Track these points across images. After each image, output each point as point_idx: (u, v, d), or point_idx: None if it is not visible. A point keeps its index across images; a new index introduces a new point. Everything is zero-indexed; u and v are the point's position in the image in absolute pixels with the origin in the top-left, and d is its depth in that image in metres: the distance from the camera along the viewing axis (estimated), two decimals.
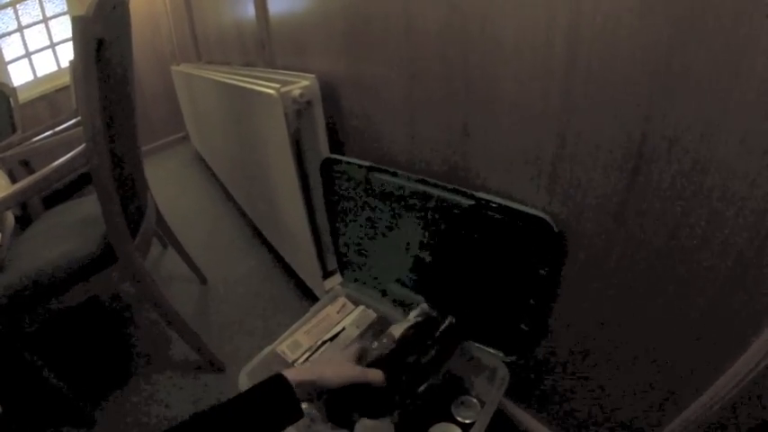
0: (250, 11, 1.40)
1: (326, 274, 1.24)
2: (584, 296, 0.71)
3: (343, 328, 0.88)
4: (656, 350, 0.64)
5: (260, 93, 1.08)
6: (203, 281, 1.73)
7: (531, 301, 0.76)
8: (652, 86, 0.50)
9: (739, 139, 0.45)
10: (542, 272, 0.72)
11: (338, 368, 0.68)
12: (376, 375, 0.70)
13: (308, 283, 1.40)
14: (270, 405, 0.60)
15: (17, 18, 3.16)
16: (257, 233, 1.96)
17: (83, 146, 1.07)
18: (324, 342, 0.86)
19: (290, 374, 0.62)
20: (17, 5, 3.13)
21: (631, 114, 0.53)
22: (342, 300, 1.01)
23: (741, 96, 0.44)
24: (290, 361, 0.85)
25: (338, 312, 0.92)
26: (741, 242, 0.49)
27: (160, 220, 1.58)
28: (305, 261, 1.30)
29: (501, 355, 0.85)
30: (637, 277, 0.61)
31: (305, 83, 1.01)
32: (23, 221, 1.64)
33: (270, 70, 1.35)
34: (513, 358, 0.84)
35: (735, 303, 0.52)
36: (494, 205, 0.74)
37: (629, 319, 0.65)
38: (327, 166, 1.00)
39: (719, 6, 0.43)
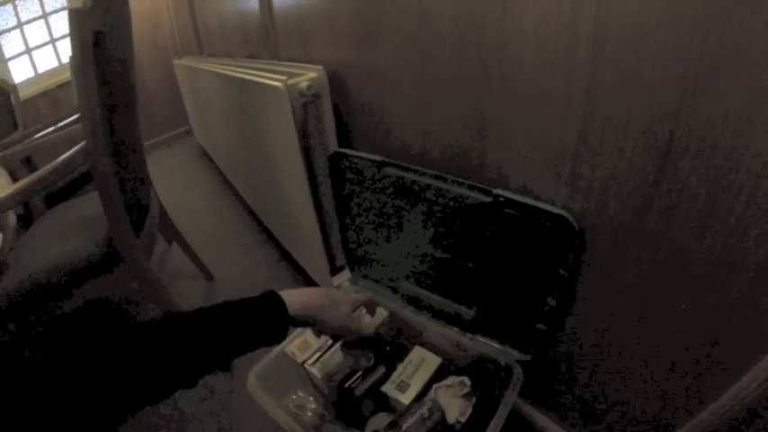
0: (253, 1, 1.36)
1: (335, 270, 1.22)
2: (603, 294, 0.68)
3: None
4: (675, 351, 0.61)
5: (266, 85, 1.05)
6: (209, 277, 1.70)
7: (549, 300, 0.74)
8: (684, 75, 0.47)
9: None
10: (561, 270, 0.70)
11: (338, 315, 0.69)
12: (368, 328, 0.75)
13: (316, 280, 1.38)
14: (258, 325, 0.60)
15: (17, 14, 3.14)
16: (263, 228, 1.94)
17: (83, 143, 1.04)
18: (334, 342, 0.83)
19: (291, 305, 0.62)
20: (16, 1, 3.11)
21: (660, 106, 0.50)
22: None
23: None
24: (299, 361, 0.83)
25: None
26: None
27: (164, 216, 1.56)
28: (313, 257, 1.27)
29: (516, 353, 0.82)
30: (659, 275, 0.59)
31: (312, 74, 0.98)
32: (25, 220, 1.62)
33: (275, 62, 1.32)
34: (529, 357, 0.81)
35: (759, 306, 0.49)
36: (512, 202, 0.71)
37: (649, 318, 0.63)
38: (336, 161, 0.96)
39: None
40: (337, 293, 0.73)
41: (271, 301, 0.62)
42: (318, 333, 0.73)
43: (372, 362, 0.78)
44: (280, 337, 0.62)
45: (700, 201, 0.50)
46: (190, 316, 0.56)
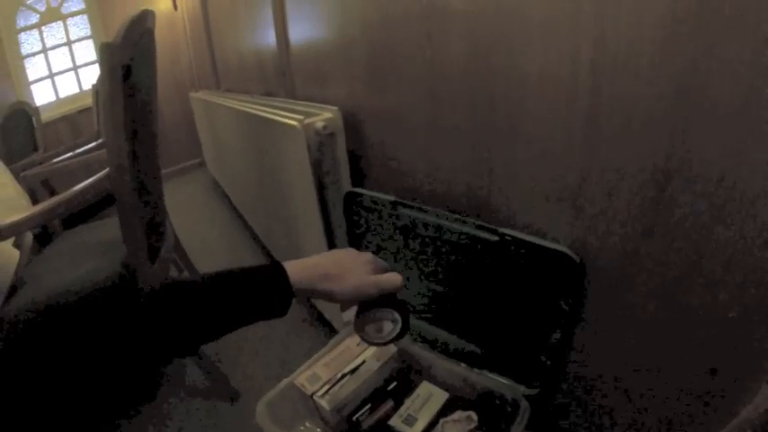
0: (271, 39, 1.42)
1: (345, 306, 1.23)
2: (606, 325, 0.70)
3: (363, 361, 0.87)
4: (680, 379, 0.62)
5: (282, 124, 1.09)
6: None
7: (554, 334, 0.75)
8: (674, 118, 0.51)
9: (764, 171, 0.45)
10: (564, 305, 0.72)
11: (351, 281, 0.63)
12: (392, 283, 0.65)
13: (326, 315, 1.39)
14: (258, 295, 0.57)
15: (42, 40, 3.27)
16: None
17: (106, 170, 1.08)
18: (344, 375, 0.84)
19: (294, 275, 0.58)
20: (42, 27, 3.23)
21: (654, 146, 0.54)
22: None
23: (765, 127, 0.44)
24: (308, 393, 0.84)
25: (358, 345, 0.90)
26: (760, 278, 0.48)
27: (177, 245, 1.59)
28: None
29: (522, 387, 0.83)
30: (658, 307, 0.61)
31: (328, 115, 1.03)
32: (42, 239, 1.65)
33: (291, 101, 1.37)
34: (535, 391, 0.82)
35: (752, 340, 0.51)
36: (517, 241, 0.74)
37: (653, 346, 0.64)
38: (350, 200, 1.00)
39: (740, 37, 0.43)
40: (349, 257, 0.67)
41: (273, 271, 0.59)
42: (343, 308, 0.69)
43: (400, 324, 0.67)
44: (281, 310, 0.59)
45: (695, 232, 0.53)
46: (188, 284, 0.56)
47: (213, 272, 0.56)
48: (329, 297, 0.61)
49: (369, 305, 0.68)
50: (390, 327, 0.68)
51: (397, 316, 0.68)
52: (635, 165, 0.57)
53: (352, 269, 0.64)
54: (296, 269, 0.59)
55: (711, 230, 0.51)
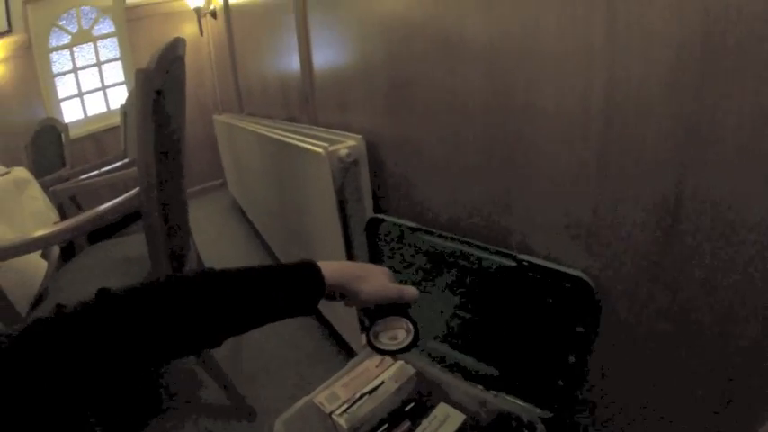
0: (295, 65, 1.47)
1: (364, 328, 1.24)
2: (620, 353, 0.71)
3: (382, 382, 0.88)
4: (694, 404, 0.63)
5: (307, 150, 1.12)
6: None
7: (569, 358, 0.76)
8: (682, 153, 0.53)
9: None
10: (580, 329, 0.73)
11: (376, 284, 0.66)
12: (410, 294, 0.68)
13: (345, 337, 1.40)
14: (293, 289, 0.57)
15: (72, 60, 3.41)
16: None
17: (136, 189, 1.12)
18: (362, 395, 0.85)
19: (326, 272, 0.60)
20: (74, 48, 3.37)
21: (664, 180, 0.56)
22: None
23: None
24: (327, 412, 0.85)
25: (377, 366, 0.92)
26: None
27: (199, 263, 1.62)
28: (342, 314, 1.30)
29: (538, 410, 0.83)
30: (672, 333, 0.62)
31: (351, 142, 1.06)
32: (67, 252, 1.70)
33: (314, 127, 1.41)
34: (551, 414, 0.82)
35: (765, 368, 0.52)
36: (535, 266, 0.76)
37: (668, 371, 0.65)
38: (373, 226, 1.03)
39: (742, 77, 0.46)
40: (372, 266, 0.70)
41: (307, 267, 0.60)
42: (363, 312, 0.71)
43: (413, 333, 0.69)
44: (310, 305, 0.60)
45: (705, 259, 0.55)
46: (223, 274, 0.54)
47: (246, 266, 0.57)
48: (356, 295, 0.63)
49: (382, 314, 0.71)
50: (404, 335, 0.70)
51: (410, 326, 0.70)
52: (646, 197, 0.59)
53: (377, 275, 0.67)
54: (328, 267, 0.61)
55: (722, 260, 0.53)
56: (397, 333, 0.70)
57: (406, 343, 0.68)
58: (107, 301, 0.46)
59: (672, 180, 0.55)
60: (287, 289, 0.57)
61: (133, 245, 1.42)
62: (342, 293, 0.64)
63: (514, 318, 0.84)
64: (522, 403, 0.86)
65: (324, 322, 1.62)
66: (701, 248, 0.55)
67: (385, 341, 0.70)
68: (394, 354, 0.70)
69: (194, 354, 0.54)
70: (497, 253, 0.82)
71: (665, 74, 0.52)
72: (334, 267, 0.62)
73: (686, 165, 0.53)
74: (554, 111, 0.66)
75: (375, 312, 0.71)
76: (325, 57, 1.30)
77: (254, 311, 0.54)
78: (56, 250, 1.69)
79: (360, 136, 1.08)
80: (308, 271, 0.60)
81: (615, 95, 0.58)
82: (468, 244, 0.86)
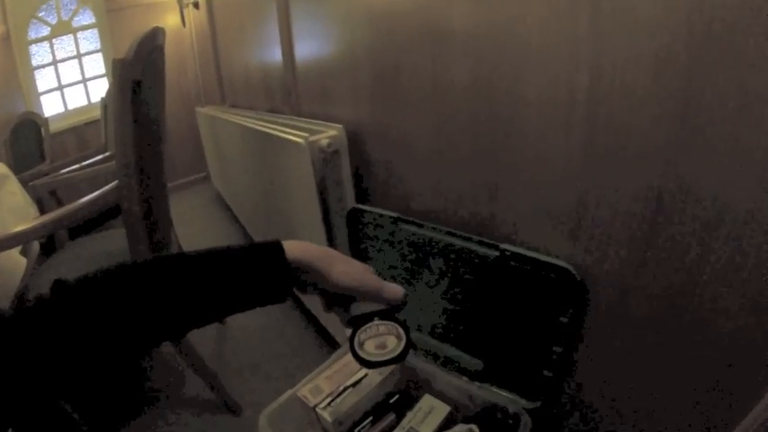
0: (277, 56, 1.45)
1: (348, 338, 1.23)
2: (607, 343, 0.71)
3: (366, 375, 0.87)
4: (681, 395, 0.63)
5: (288, 141, 1.11)
6: (222, 321, 1.72)
7: (555, 348, 0.76)
8: (668, 142, 0.53)
9: (754, 192, 0.47)
10: (565, 319, 0.73)
11: (351, 269, 0.57)
12: (394, 291, 0.59)
13: (329, 330, 1.40)
14: (251, 270, 0.51)
15: (52, 52, 3.32)
16: None
17: (115, 182, 1.10)
18: (346, 388, 0.85)
19: (290, 251, 0.53)
20: (53, 40, 3.29)
21: (650, 169, 0.56)
22: None
23: (755, 150, 0.46)
24: (311, 405, 0.84)
25: None
26: (757, 289, 0.50)
27: None
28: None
29: (524, 401, 0.83)
30: (657, 323, 0.62)
31: (332, 132, 1.05)
32: (48, 248, 1.67)
33: (296, 118, 1.39)
34: (537, 405, 0.82)
35: (751, 351, 0.52)
36: (518, 256, 0.75)
37: (654, 362, 0.65)
38: (354, 216, 1.02)
39: (727, 65, 0.45)
40: (352, 258, 0.61)
41: (268, 246, 0.53)
42: (328, 303, 0.62)
43: (404, 341, 0.59)
44: (278, 291, 0.53)
45: (692, 248, 0.54)
46: (178, 258, 0.50)
47: (204, 249, 0.52)
48: (325, 277, 0.55)
49: (366, 319, 0.60)
50: (395, 342, 0.59)
51: (401, 331, 0.60)
52: (632, 187, 0.58)
53: (354, 262, 0.60)
54: (293, 244, 0.54)
55: (708, 249, 0.53)
56: (386, 340, 0.59)
57: (396, 352, 0.58)
58: (61, 292, 0.44)
59: (658, 168, 0.55)
60: (246, 272, 0.51)
61: (114, 239, 1.40)
62: (311, 277, 0.55)
63: (499, 309, 0.83)
64: (507, 394, 0.86)
65: (307, 314, 1.62)
66: (687, 238, 0.54)
67: (372, 350, 0.59)
68: (383, 365, 0.60)
69: (156, 346, 0.50)
70: (480, 243, 0.81)
71: (651, 62, 0.51)
72: (301, 245, 0.55)
73: (673, 153, 0.53)
74: (539, 99, 0.65)
75: (359, 318, 0.60)
76: (309, 47, 1.29)
77: (212, 298, 0.50)
78: (36, 246, 1.66)
79: (341, 126, 1.06)
80: (269, 249, 0.53)
81: (601, 83, 0.57)
82: (452, 234, 0.85)
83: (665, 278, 0.59)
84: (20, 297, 0.43)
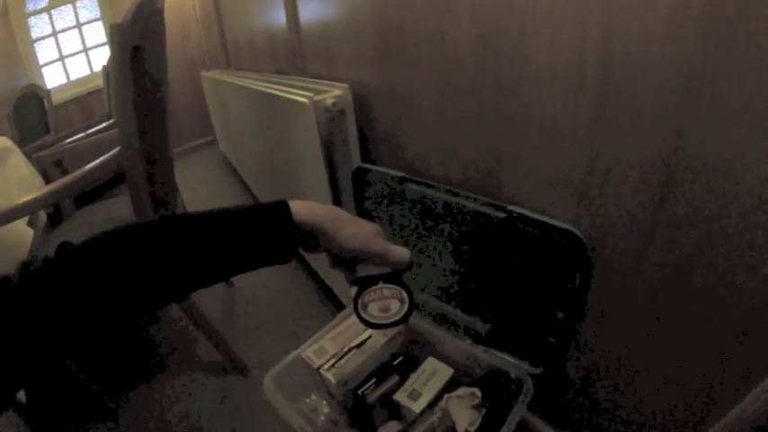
0: (281, 19, 1.42)
1: (353, 298, 1.24)
2: (612, 312, 0.70)
3: (370, 336, 0.88)
4: (685, 367, 0.63)
5: (292, 101, 1.09)
6: (229, 283, 1.75)
7: (559, 314, 0.76)
8: (682, 109, 0.50)
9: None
10: (570, 285, 0.72)
11: (358, 231, 0.56)
12: (399, 255, 0.59)
13: (335, 291, 1.41)
14: (257, 229, 0.51)
15: (52, 23, 3.28)
16: None
17: (117, 149, 1.10)
18: (350, 349, 0.86)
19: (297, 212, 0.52)
20: (52, 11, 3.24)
21: (662, 136, 0.53)
22: None
23: None
24: (315, 366, 0.85)
25: None
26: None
27: None
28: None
29: (527, 366, 0.84)
30: (665, 294, 0.61)
31: (337, 92, 1.03)
32: (55, 219, 1.69)
33: (301, 78, 1.37)
34: (540, 370, 0.83)
35: (763, 323, 0.51)
36: (525, 218, 0.74)
37: (658, 335, 0.65)
38: (359, 176, 1.01)
39: (747, 30, 0.43)
40: (360, 219, 0.60)
41: (275, 205, 0.53)
42: (333, 261, 0.62)
43: (407, 304, 0.61)
44: (284, 251, 0.53)
45: (702, 217, 0.53)
46: (184, 219, 0.50)
47: (210, 209, 0.52)
48: (332, 239, 0.55)
49: (370, 282, 0.61)
50: (398, 306, 0.62)
51: (404, 295, 0.62)
52: (641, 154, 0.56)
53: (362, 223, 0.59)
54: (300, 204, 0.54)
55: (718, 220, 0.51)
56: (390, 303, 0.62)
57: (399, 315, 0.61)
58: (66, 254, 0.44)
59: (670, 136, 0.52)
60: (252, 232, 0.51)
61: (121, 206, 1.40)
62: (318, 238, 0.55)
63: (505, 272, 0.83)
64: (511, 359, 0.86)
65: (314, 276, 1.63)
66: (697, 207, 0.53)
67: (375, 313, 0.62)
68: (385, 327, 0.63)
69: (162, 306, 0.51)
70: (488, 204, 0.80)
71: (665, 26, 0.49)
72: (308, 206, 0.54)
73: (685, 120, 0.50)
74: (548, 62, 0.63)
75: (364, 280, 0.61)
76: (313, 7, 1.25)
77: (217, 258, 0.49)
78: (42, 217, 1.67)
79: (346, 85, 1.04)
80: (275, 209, 0.52)
81: (612, 47, 0.54)
82: (458, 194, 0.84)
83: (676, 247, 0.57)
84: (23, 263, 0.43)
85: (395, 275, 0.61)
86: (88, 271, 0.43)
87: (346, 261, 0.60)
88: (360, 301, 0.62)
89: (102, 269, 0.44)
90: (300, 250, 0.58)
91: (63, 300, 0.42)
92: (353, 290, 0.62)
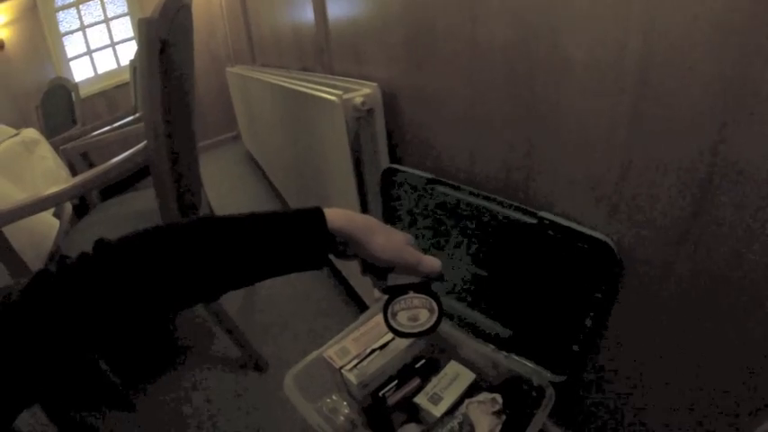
0: (309, 15, 1.42)
1: (382, 307, 1.23)
2: (638, 321, 0.69)
3: (393, 338, 0.87)
4: (712, 381, 0.61)
5: (321, 99, 1.09)
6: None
7: (586, 323, 0.74)
8: (722, 114, 0.48)
9: None
10: (599, 294, 0.71)
11: (390, 242, 0.57)
12: (431, 265, 0.60)
13: (358, 290, 1.40)
14: (294, 241, 0.51)
15: (80, 17, 3.35)
16: None
17: (143, 143, 1.11)
18: (373, 350, 0.85)
19: (332, 220, 0.53)
20: (80, 6, 3.31)
21: (700, 141, 0.51)
22: None
23: None
24: (337, 366, 0.85)
25: None
26: None
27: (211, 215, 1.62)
28: (355, 266, 1.29)
29: (549, 374, 0.82)
30: (695, 304, 0.59)
31: (366, 90, 1.02)
32: (80, 210, 1.71)
33: (329, 76, 1.36)
34: (563, 378, 0.81)
35: None
36: (556, 225, 0.72)
37: (684, 346, 0.63)
38: (388, 176, 1.00)
39: None
40: (391, 227, 0.61)
41: (310, 213, 0.53)
42: (363, 269, 0.62)
43: (436, 314, 0.62)
44: (317, 258, 0.54)
45: (737, 230, 0.51)
46: (220, 222, 0.50)
47: (245, 213, 0.52)
48: (365, 247, 0.56)
49: (400, 291, 0.63)
50: (427, 315, 0.63)
51: (434, 305, 0.62)
52: (679, 160, 0.54)
53: (393, 232, 0.60)
54: (335, 213, 0.54)
55: (755, 231, 0.49)
56: (419, 313, 0.63)
57: (428, 325, 0.62)
58: (103, 251, 0.45)
59: (709, 142, 0.50)
60: (287, 238, 0.51)
61: (145, 199, 1.41)
62: (351, 246, 0.57)
63: (531, 278, 0.81)
64: (533, 366, 0.84)
65: (337, 275, 1.62)
66: (733, 218, 0.51)
67: (404, 321, 0.63)
68: (414, 336, 0.64)
69: (193, 305, 0.51)
70: (517, 209, 0.78)
71: (710, 27, 0.46)
72: (343, 214, 0.55)
73: (725, 127, 0.48)
74: (585, 62, 0.61)
75: (394, 289, 0.63)
76: (341, 5, 1.24)
77: (251, 263, 0.50)
78: (68, 208, 1.70)
79: (375, 84, 1.03)
80: (311, 216, 0.53)
81: (654, 48, 0.52)
82: (487, 198, 0.83)
83: (708, 259, 0.55)
84: (61, 257, 0.44)
85: (425, 285, 0.62)
86: (124, 269, 0.44)
87: (377, 269, 0.61)
88: (389, 309, 0.63)
89: (139, 268, 0.45)
90: (331, 256, 0.58)
91: (98, 295, 0.43)
92: (383, 298, 0.63)
